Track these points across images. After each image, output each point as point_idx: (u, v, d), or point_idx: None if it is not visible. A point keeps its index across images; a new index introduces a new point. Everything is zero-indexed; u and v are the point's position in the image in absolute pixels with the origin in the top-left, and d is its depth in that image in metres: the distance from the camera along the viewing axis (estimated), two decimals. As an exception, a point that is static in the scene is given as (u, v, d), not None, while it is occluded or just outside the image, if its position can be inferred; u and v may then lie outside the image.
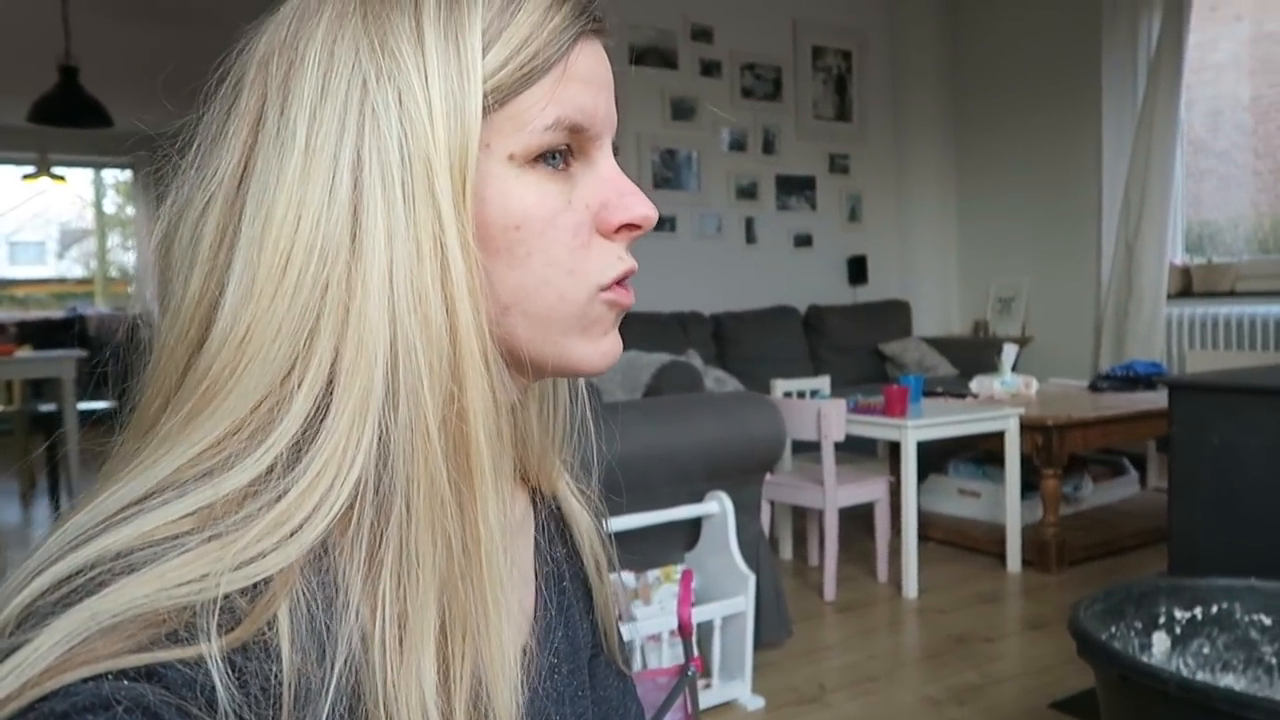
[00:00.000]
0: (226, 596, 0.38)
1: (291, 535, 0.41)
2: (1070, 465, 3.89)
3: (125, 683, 0.34)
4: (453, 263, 0.44)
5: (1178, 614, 1.79)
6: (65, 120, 5.41)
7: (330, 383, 0.44)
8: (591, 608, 0.66)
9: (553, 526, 0.63)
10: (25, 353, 5.58)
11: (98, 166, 9.04)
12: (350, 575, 0.43)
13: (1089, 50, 5.35)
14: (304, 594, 0.41)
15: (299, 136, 0.45)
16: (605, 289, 0.51)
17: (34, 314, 9.26)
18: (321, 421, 0.43)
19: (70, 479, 5.51)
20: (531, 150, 0.47)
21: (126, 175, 9.28)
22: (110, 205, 9.50)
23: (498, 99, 0.46)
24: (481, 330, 0.45)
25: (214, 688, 0.36)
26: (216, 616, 0.37)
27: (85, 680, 0.34)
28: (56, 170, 7.60)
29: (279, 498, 0.41)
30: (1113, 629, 1.76)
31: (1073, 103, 5.50)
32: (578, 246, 0.49)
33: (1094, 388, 4.28)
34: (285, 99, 0.45)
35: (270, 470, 0.42)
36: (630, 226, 0.52)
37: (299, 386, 0.44)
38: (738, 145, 5.64)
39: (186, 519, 0.40)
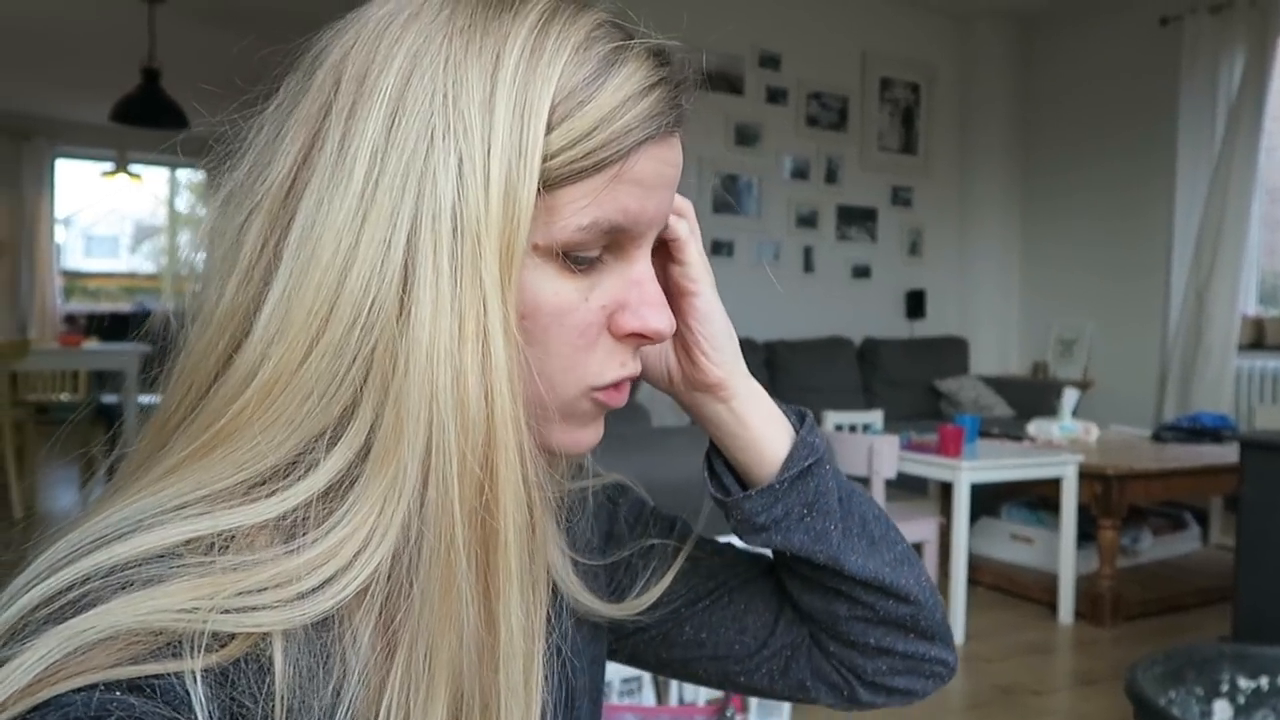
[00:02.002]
0: (214, 634, 0.37)
1: (299, 598, 0.39)
2: (1129, 516, 3.78)
3: (117, 694, 0.34)
4: (494, 348, 0.42)
5: (1242, 683, 1.72)
6: (145, 120, 5.57)
7: (363, 455, 0.42)
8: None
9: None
10: (92, 344, 5.75)
11: (173, 166, 9.30)
12: (353, 651, 0.41)
13: (1166, 91, 5.24)
14: (301, 651, 0.40)
15: (356, 177, 0.42)
16: (597, 390, 0.49)
17: (104, 306, 9.54)
18: (348, 491, 0.42)
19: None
20: (557, 246, 0.45)
21: (200, 176, 9.55)
22: (182, 204, 9.77)
23: (542, 185, 0.43)
24: (519, 421, 0.43)
25: (202, 705, 0.36)
26: (203, 646, 0.37)
27: (77, 691, 0.34)
28: (133, 168, 7.83)
29: (288, 554, 0.40)
30: (1172, 694, 1.69)
31: (1146, 143, 5.38)
32: (582, 346, 0.47)
33: (1157, 438, 4.15)
34: (348, 129, 0.43)
35: (282, 520, 0.41)
36: (640, 336, 0.49)
37: (327, 452, 0.42)
38: (800, 173, 5.61)
39: (183, 546, 0.39)
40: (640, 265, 0.49)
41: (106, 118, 5.75)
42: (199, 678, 0.36)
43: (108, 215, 13.86)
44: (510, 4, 0.45)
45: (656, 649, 0.67)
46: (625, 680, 2.20)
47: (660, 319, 0.49)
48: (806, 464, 0.57)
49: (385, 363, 0.42)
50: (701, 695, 2.20)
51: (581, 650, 0.61)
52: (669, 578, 0.64)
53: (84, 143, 8.66)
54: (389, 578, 0.42)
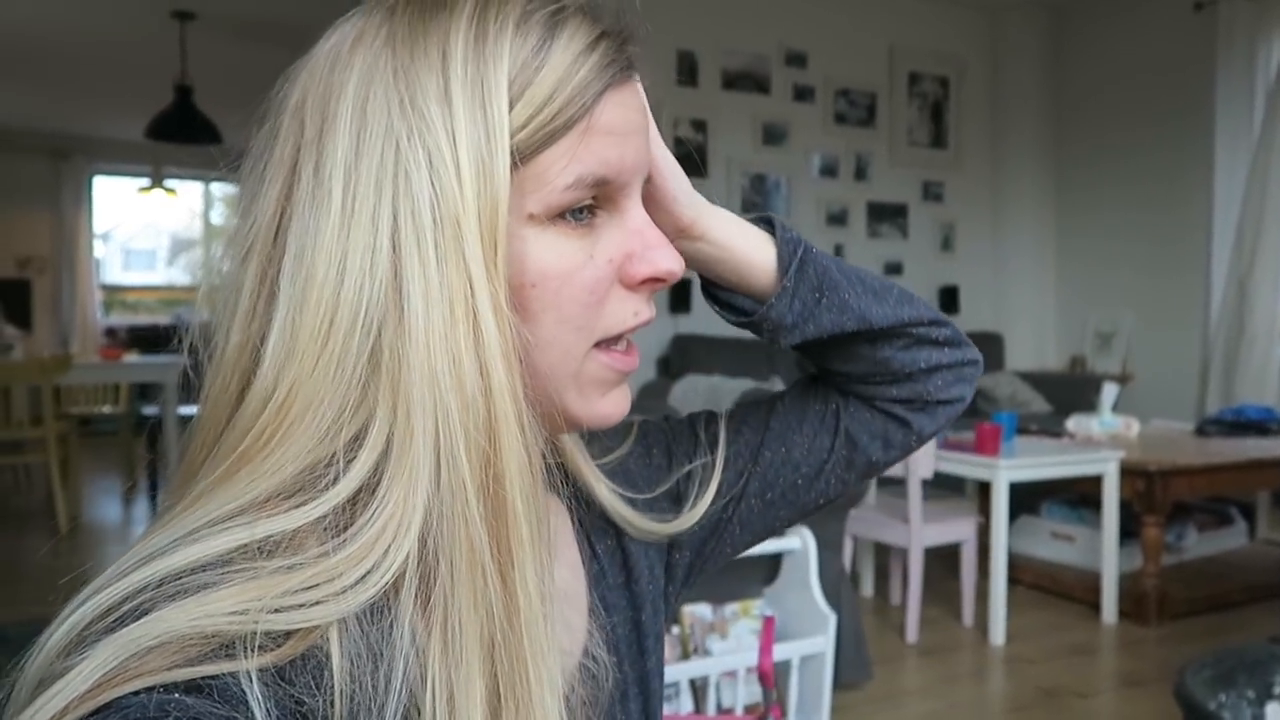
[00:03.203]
0: (267, 633, 0.38)
1: (343, 592, 0.41)
2: (1173, 512, 3.71)
3: (175, 695, 0.35)
4: (485, 326, 0.44)
5: (1295, 685, 1.67)
6: (179, 137, 5.66)
7: (386, 451, 0.44)
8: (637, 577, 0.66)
9: (589, 523, 0.63)
10: (132, 357, 5.85)
11: (207, 179, 9.44)
12: (399, 637, 0.42)
13: (1202, 77, 5.14)
14: (355, 644, 0.41)
15: (335, 196, 0.45)
16: (605, 347, 0.51)
17: (142, 319, 9.70)
18: (375, 488, 0.43)
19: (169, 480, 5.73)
20: (553, 209, 0.47)
21: (233, 189, 9.67)
22: (217, 217, 9.91)
23: (520, 157, 0.45)
24: (516, 393, 0.45)
25: (260, 703, 0.37)
26: (256, 646, 0.38)
27: (135, 693, 0.35)
28: (169, 183, 7.96)
29: (328, 553, 0.42)
30: (1222, 697, 1.65)
31: (1183, 131, 5.28)
32: (593, 303, 0.49)
33: (1200, 431, 4.07)
34: (320, 156, 0.45)
35: (320, 523, 0.43)
36: (654, 280, 0.51)
37: (353, 457, 0.44)
38: (829, 171, 5.57)
39: (229, 554, 0.40)
40: (635, 213, 0.51)
41: (142, 135, 5.85)
42: (255, 676, 0.37)
43: (145, 230, 14.09)
44: (443, 2, 0.46)
45: (737, 527, 0.69)
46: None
47: (670, 259, 0.51)
48: (799, 255, 0.62)
49: (390, 360, 0.44)
50: (740, 701, 2.19)
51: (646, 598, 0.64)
52: (719, 469, 0.67)
53: (120, 160, 8.82)
54: (420, 561, 0.43)
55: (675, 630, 2.34)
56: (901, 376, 0.68)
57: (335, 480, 0.43)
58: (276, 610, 0.39)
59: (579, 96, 0.46)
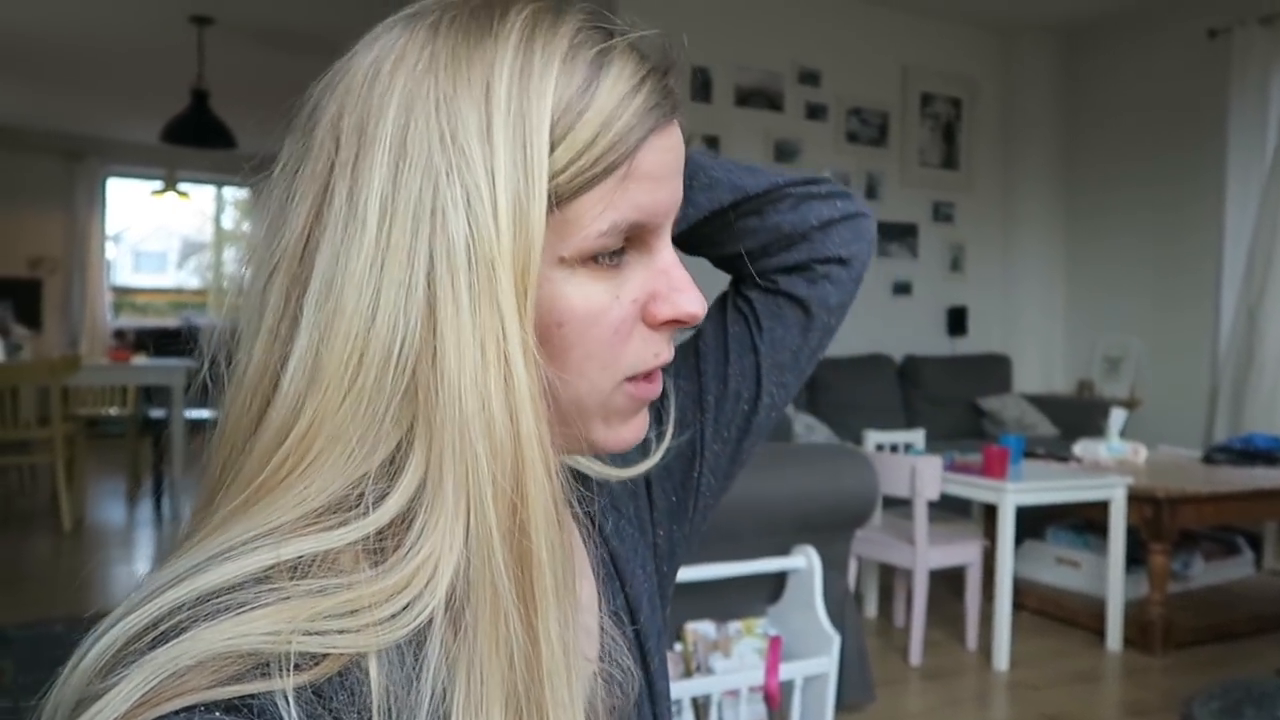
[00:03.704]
0: (302, 653, 0.38)
1: (377, 624, 0.41)
2: (1180, 541, 3.69)
3: (216, 714, 0.35)
4: (515, 372, 0.43)
5: (1303, 719, 1.66)
6: (194, 141, 5.70)
7: (421, 488, 0.43)
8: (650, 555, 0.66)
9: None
10: (141, 360, 5.86)
11: (219, 184, 9.48)
12: (427, 676, 0.42)
13: (1215, 105, 5.14)
14: (392, 673, 0.41)
15: (369, 227, 0.43)
16: (632, 380, 0.50)
17: (151, 321, 9.73)
18: (410, 523, 0.43)
19: (174, 483, 5.74)
20: (584, 254, 0.46)
21: (245, 194, 9.73)
22: (228, 221, 9.95)
23: (556, 201, 0.45)
24: (544, 440, 0.44)
25: None
26: (291, 666, 0.37)
27: (175, 713, 0.35)
28: (182, 187, 8.00)
29: (364, 581, 0.41)
30: (1229, 730, 1.63)
31: (1195, 157, 5.28)
32: (617, 342, 0.48)
33: (1209, 459, 4.05)
34: (355, 182, 0.44)
35: (351, 546, 0.42)
36: (676, 321, 0.50)
37: (386, 491, 0.43)
38: (840, 189, 5.57)
39: (265, 572, 0.40)
40: (664, 254, 0.50)
41: (156, 138, 5.89)
42: (291, 697, 0.37)
43: (156, 232, 14.16)
44: (490, 28, 0.45)
45: (710, 477, 0.70)
46: (664, 704, 2.18)
47: (693, 302, 0.50)
48: None
49: (424, 400, 0.43)
50: (743, 717, 2.18)
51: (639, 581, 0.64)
52: (672, 414, 0.67)
53: (134, 162, 8.87)
54: (447, 605, 0.43)
55: (678, 648, 2.33)
56: (797, 238, 0.68)
57: (367, 511, 0.43)
58: (312, 633, 0.39)
59: (621, 143, 0.45)
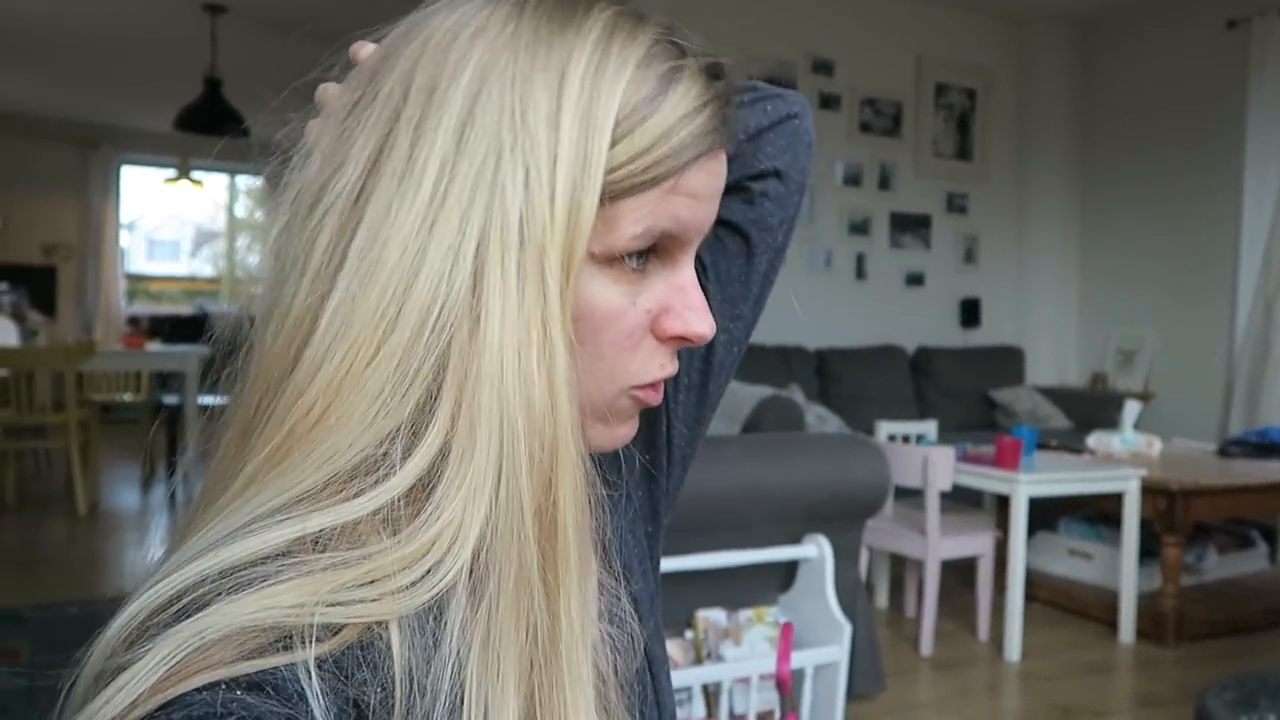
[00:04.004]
0: (324, 625, 0.38)
1: (398, 591, 0.41)
2: (1194, 533, 3.67)
3: (238, 693, 0.35)
4: (557, 353, 0.44)
5: (1319, 711, 1.65)
6: (207, 129, 5.71)
7: (443, 455, 0.43)
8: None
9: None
10: (154, 346, 5.89)
11: (233, 172, 9.51)
12: (446, 645, 0.42)
13: (1233, 95, 5.09)
14: (412, 641, 0.41)
15: (425, 186, 0.44)
16: (637, 388, 0.51)
17: (165, 309, 9.78)
18: (433, 490, 0.43)
19: (187, 468, 5.77)
20: (613, 252, 0.47)
21: (258, 182, 9.74)
22: (241, 210, 9.98)
23: (604, 197, 0.46)
24: (577, 423, 0.45)
25: (318, 698, 0.37)
26: (314, 638, 0.38)
27: (199, 690, 0.35)
28: (195, 175, 8.03)
29: (382, 551, 0.41)
30: (1244, 721, 1.63)
31: (1212, 148, 5.24)
32: (627, 347, 0.49)
33: (1223, 452, 4.03)
34: (418, 138, 0.45)
35: (373, 517, 0.43)
36: (683, 338, 0.51)
37: (408, 453, 0.43)
38: (853, 180, 5.55)
39: (285, 546, 0.40)
40: (685, 271, 0.51)
41: (170, 126, 5.90)
42: (314, 671, 0.37)
43: (169, 220, 14.22)
44: (573, 19, 0.46)
45: (682, 425, 0.70)
46: (675, 691, 2.18)
47: (704, 324, 0.50)
48: None
49: (458, 367, 0.43)
50: (752, 708, 2.18)
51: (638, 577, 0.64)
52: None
53: (148, 150, 8.90)
54: (470, 573, 0.43)
55: (688, 635, 2.33)
56: (730, 156, 0.69)
57: (388, 475, 0.43)
58: (335, 604, 0.39)
59: (674, 157, 0.46)
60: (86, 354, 4.98)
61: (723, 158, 0.50)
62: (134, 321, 8.58)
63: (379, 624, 0.40)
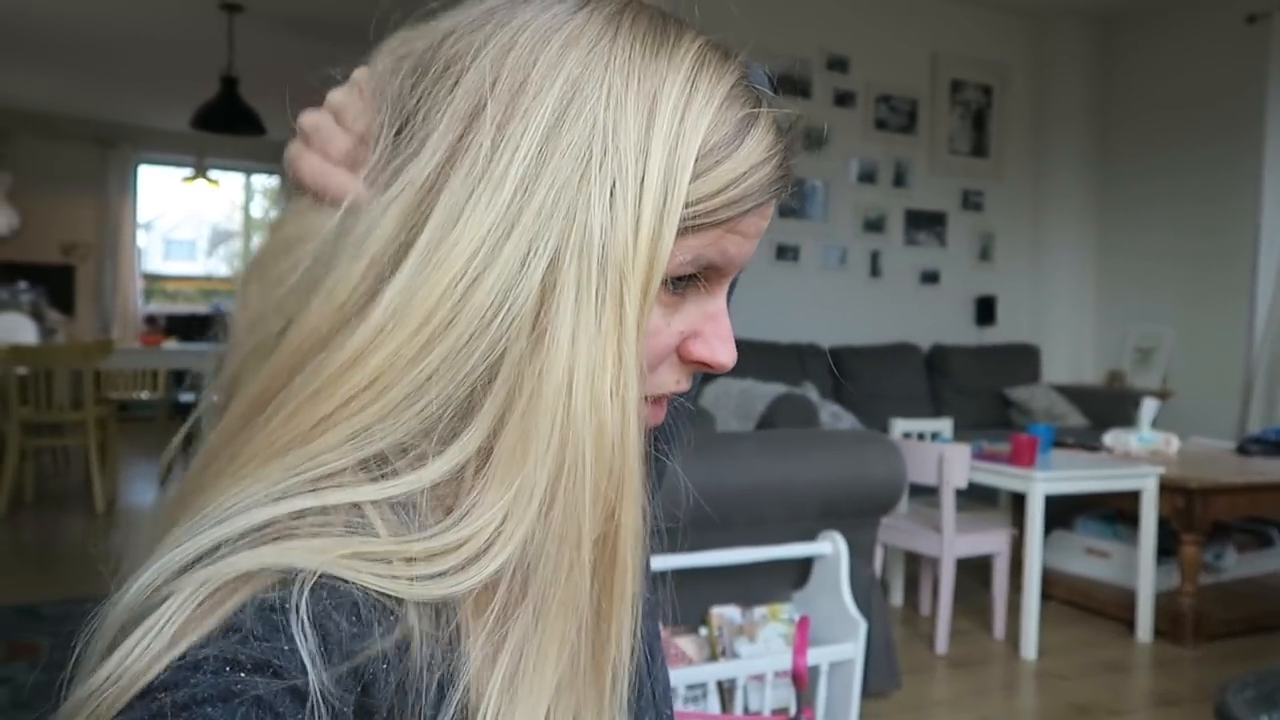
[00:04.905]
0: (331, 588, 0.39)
1: (413, 580, 0.41)
2: (1212, 532, 3.64)
3: (243, 675, 0.35)
4: (630, 380, 0.44)
5: (1340, 709, 1.63)
6: (223, 127, 5.74)
7: (483, 459, 0.43)
8: None
9: None
10: (171, 344, 5.94)
11: (249, 171, 9.55)
12: (462, 648, 0.42)
13: (1253, 94, 5.05)
14: (426, 634, 0.42)
15: (505, 190, 0.43)
16: (649, 400, 0.51)
17: (181, 308, 9.84)
18: (466, 492, 0.43)
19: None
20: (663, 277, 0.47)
21: (274, 181, 9.81)
22: (257, 209, 10.03)
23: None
24: (641, 451, 0.45)
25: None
26: (312, 585, 0.38)
27: (204, 666, 0.35)
28: (212, 174, 8.08)
29: (404, 539, 0.42)
30: (1264, 718, 1.61)
31: (1231, 145, 5.19)
32: (654, 364, 0.50)
33: (1242, 450, 3.99)
34: (498, 139, 0.43)
35: (394, 503, 0.43)
36: (706, 365, 0.52)
37: (441, 449, 0.43)
38: (867, 177, 5.53)
39: (304, 511, 0.41)
40: (719, 299, 0.51)
41: (187, 125, 5.94)
42: (306, 608, 0.37)
43: (186, 220, 14.30)
44: (666, 45, 0.46)
45: None
46: (690, 687, 2.18)
47: (728, 354, 0.51)
48: None
49: (510, 379, 0.43)
50: (767, 705, 2.18)
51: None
52: None
53: (165, 149, 8.96)
54: (505, 587, 0.43)
55: (703, 632, 2.33)
56: None
57: (416, 467, 0.43)
58: (349, 565, 0.39)
59: (739, 204, 0.47)
60: (104, 352, 5.02)
61: (773, 203, 0.51)
62: (151, 320, 8.64)
63: (387, 599, 0.40)
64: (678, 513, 0.68)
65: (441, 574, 0.41)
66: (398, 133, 0.46)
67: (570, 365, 0.43)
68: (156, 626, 0.36)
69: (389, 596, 0.40)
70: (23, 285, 6.94)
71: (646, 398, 0.50)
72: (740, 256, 0.50)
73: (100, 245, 8.81)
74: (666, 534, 0.65)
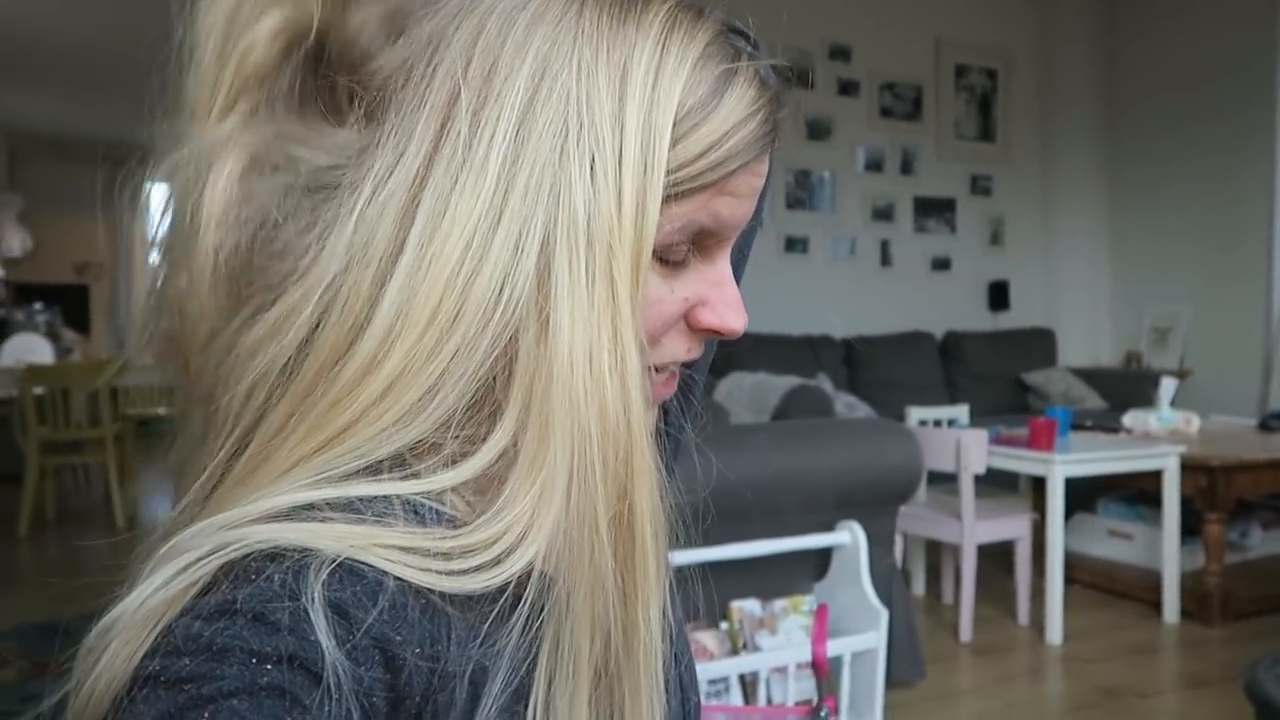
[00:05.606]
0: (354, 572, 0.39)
1: (448, 575, 0.41)
2: (1236, 510, 3.59)
3: (269, 667, 0.35)
4: (630, 355, 0.43)
5: (1374, 683, 1.60)
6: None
7: (512, 454, 0.43)
8: None
9: None
10: (186, 359, 5.95)
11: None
12: (500, 641, 0.42)
13: (1264, 64, 4.99)
14: (457, 627, 0.42)
15: (487, 178, 0.42)
16: (658, 371, 0.51)
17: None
18: (499, 487, 0.43)
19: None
20: (654, 248, 0.46)
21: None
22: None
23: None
24: (650, 426, 0.45)
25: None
26: (330, 565, 0.38)
27: (231, 657, 0.35)
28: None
29: (439, 536, 0.41)
30: (1296, 695, 1.58)
31: (1242, 118, 5.14)
32: (659, 334, 0.49)
33: (1264, 427, 3.94)
34: (477, 128, 0.43)
35: (425, 497, 0.43)
36: (716, 331, 0.51)
37: (466, 450, 0.43)
38: (874, 166, 5.51)
39: (328, 501, 0.41)
40: (722, 265, 0.51)
41: (193, 140, 5.96)
42: (322, 582, 0.37)
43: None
44: (634, 11, 0.45)
45: None
46: (712, 682, 2.17)
47: (739, 320, 0.51)
48: None
49: (527, 369, 0.43)
50: (790, 697, 2.16)
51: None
52: None
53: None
54: (539, 576, 0.43)
55: (724, 626, 2.32)
56: None
57: (450, 465, 0.43)
58: (374, 548, 0.39)
59: (724, 166, 0.46)
60: (120, 369, 5.05)
61: (767, 158, 0.50)
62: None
63: (413, 592, 0.40)
64: (696, 497, 0.67)
65: (477, 568, 0.41)
66: (385, 130, 0.45)
67: (570, 346, 0.42)
68: (177, 575, 0.37)
69: (423, 588, 0.40)
70: (38, 306, 7.00)
71: (655, 369, 0.50)
72: (735, 218, 0.49)
73: (114, 265, 8.87)
74: (690, 518, 0.65)
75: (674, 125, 0.44)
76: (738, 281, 0.68)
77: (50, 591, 3.74)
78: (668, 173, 0.44)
